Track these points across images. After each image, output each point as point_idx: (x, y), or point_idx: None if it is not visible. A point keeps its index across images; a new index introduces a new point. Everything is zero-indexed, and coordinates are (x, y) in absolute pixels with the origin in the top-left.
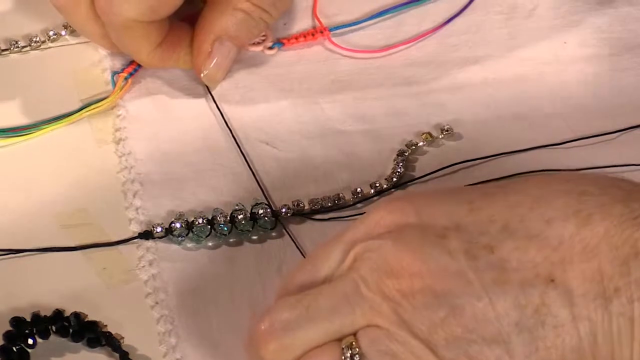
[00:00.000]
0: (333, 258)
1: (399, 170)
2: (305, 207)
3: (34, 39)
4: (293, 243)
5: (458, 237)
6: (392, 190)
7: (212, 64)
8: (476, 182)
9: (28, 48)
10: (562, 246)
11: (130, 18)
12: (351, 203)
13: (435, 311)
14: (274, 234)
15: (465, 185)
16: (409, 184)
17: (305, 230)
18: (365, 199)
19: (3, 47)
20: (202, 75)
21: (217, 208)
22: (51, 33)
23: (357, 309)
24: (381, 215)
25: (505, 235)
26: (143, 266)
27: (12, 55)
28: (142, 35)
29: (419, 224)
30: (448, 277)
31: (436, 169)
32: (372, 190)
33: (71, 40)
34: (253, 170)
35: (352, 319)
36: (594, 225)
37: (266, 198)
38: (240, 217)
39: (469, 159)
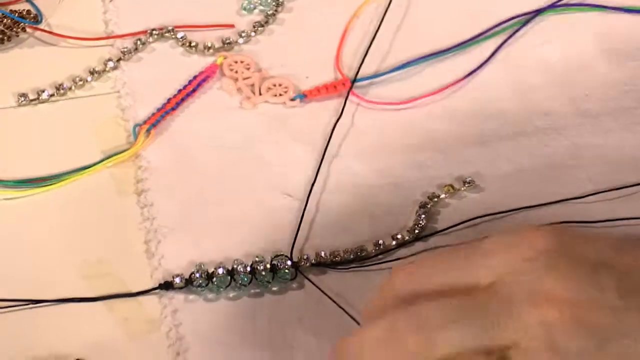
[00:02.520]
0: (479, 269)
1: (420, 222)
2: (327, 258)
3: (61, 86)
4: (313, 294)
5: (608, 274)
6: (414, 242)
7: None
8: None
9: (55, 96)
10: None
11: None
12: (373, 255)
13: (587, 341)
14: (294, 285)
15: None
16: (430, 236)
17: (326, 281)
18: (386, 250)
19: (31, 97)
20: None
21: (237, 259)
22: (77, 79)
23: (507, 326)
24: (532, 237)
25: None
26: (165, 317)
27: (40, 106)
28: None
29: (571, 254)
30: (600, 310)
31: (458, 221)
32: (394, 242)
33: (96, 86)
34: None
35: (500, 336)
36: None
37: (292, 249)
38: (260, 268)
39: (491, 212)
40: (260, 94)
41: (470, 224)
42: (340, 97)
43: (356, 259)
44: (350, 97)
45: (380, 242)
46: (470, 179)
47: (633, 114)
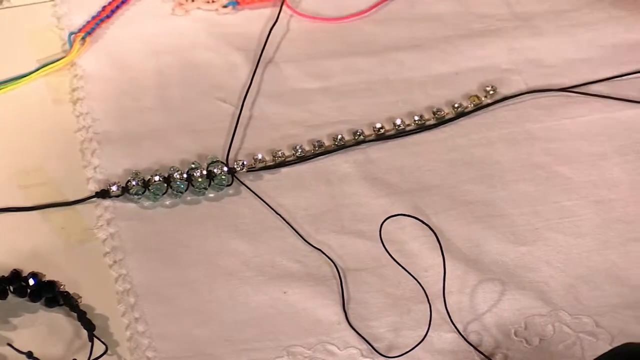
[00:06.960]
0: None
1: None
2: (263, 161)
3: None
4: (249, 200)
5: None
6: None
7: None
8: None
9: None
10: None
11: None
12: (310, 155)
13: None
14: (230, 191)
15: None
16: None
17: (262, 186)
18: (326, 151)
19: None
20: None
21: (173, 166)
22: None
23: None
24: None
25: None
26: (101, 225)
27: None
28: None
29: None
30: None
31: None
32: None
33: None
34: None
35: None
36: None
37: (227, 154)
38: (196, 174)
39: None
40: (192, 0)
41: None
42: (274, 7)
43: (296, 161)
44: (283, 7)
45: (316, 142)
46: (492, 86)
47: (568, 17)
